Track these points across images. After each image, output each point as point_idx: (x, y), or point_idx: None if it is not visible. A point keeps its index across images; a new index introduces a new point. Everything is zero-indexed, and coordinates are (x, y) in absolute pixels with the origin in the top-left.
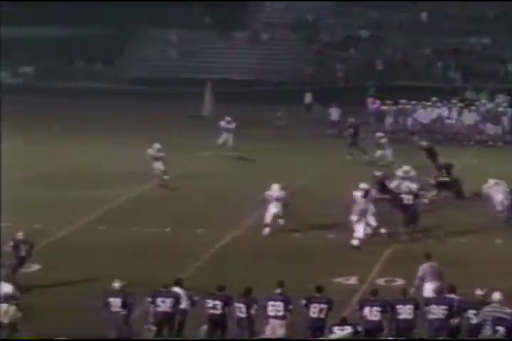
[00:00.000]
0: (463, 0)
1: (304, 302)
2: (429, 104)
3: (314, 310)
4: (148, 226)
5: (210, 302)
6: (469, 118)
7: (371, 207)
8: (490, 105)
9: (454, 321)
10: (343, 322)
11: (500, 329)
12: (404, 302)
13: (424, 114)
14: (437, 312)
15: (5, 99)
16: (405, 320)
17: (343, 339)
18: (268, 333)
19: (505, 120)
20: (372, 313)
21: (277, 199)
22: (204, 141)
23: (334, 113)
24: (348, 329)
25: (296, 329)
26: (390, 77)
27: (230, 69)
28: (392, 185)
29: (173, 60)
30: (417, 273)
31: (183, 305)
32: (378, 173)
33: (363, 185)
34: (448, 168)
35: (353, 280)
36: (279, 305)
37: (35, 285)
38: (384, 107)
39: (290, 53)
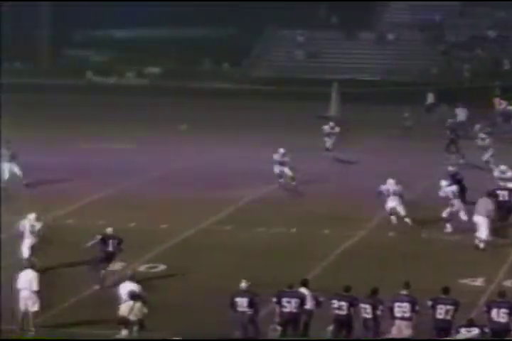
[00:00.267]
0: None
1: (430, 303)
2: None
3: (440, 312)
4: (273, 227)
5: (335, 303)
6: None
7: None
8: None
9: None
10: (470, 323)
11: None
12: None
13: None
14: None
15: (129, 99)
16: None
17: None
18: (394, 333)
19: None
20: (499, 315)
21: (394, 193)
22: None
23: (461, 113)
24: (475, 331)
25: (422, 330)
26: None
27: (356, 70)
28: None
29: (299, 61)
30: None
31: (308, 305)
32: (451, 168)
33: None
34: None
35: (479, 282)
36: (406, 306)
37: (161, 285)
38: (510, 107)
39: (416, 53)
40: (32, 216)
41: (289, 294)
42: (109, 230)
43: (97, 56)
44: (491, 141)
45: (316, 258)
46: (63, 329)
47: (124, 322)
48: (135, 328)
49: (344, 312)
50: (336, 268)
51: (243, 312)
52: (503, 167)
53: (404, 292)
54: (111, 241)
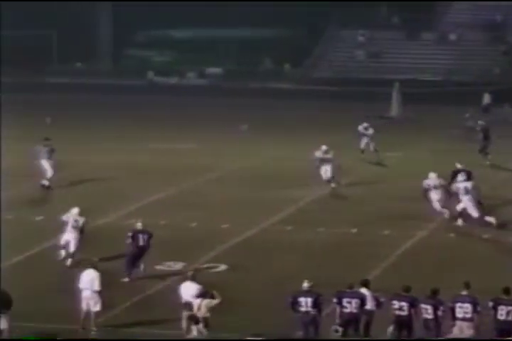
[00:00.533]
0: None
1: (491, 304)
2: None
3: (502, 313)
4: (334, 227)
5: (396, 304)
6: None
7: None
8: None
9: None
10: None
11: None
12: None
13: None
14: None
15: (190, 99)
16: None
17: None
18: (456, 334)
19: None
20: None
21: (435, 187)
22: (389, 142)
23: None
24: None
25: (483, 330)
26: None
27: (417, 70)
28: None
29: (360, 61)
30: None
31: (369, 306)
32: (459, 166)
33: None
34: None
35: None
36: (467, 306)
37: (221, 285)
38: None
39: (477, 54)
40: (75, 210)
41: (350, 294)
42: (139, 225)
43: (158, 56)
44: None
45: (376, 259)
46: (124, 329)
47: (194, 320)
48: (200, 325)
49: (405, 313)
50: (396, 269)
51: (307, 312)
52: None
53: (464, 292)
54: (141, 235)
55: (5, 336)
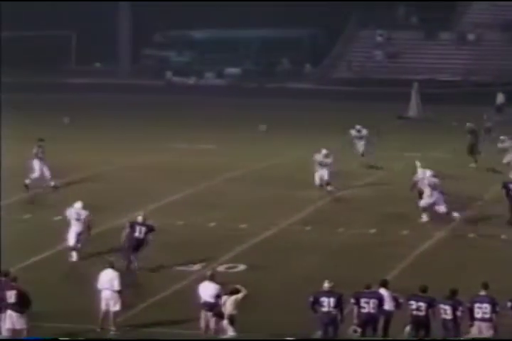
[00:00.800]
0: None
1: (510, 304)
2: None
3: None
4: (353, 228)
5: (414, 304)
6: None
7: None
8: None
9: None
10: None
11: None
12: None
13: None
14: None
15: (209, 99)
16: None
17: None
18: (474, 333)
19: None
20: None
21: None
22: (407, 142)
23: None
24: None
25: (502, 331)
26: None
27: (436, 70)
28: None
29: (378, 61)
30: None
31: (388, 306)
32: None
33: None
34: None
35: None
36: (486, 307)
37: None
38: None
39: (497, 54)
40: (78, 204)
41: (368, 295)
42: (140, 218)
43: (177, 57)
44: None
45: (394, 259)
46: (143, 328)
47: (220, 316)
48: (225, 322)
49: (423, 313)
50: (415, 269)
51: (328, 312)
52: None
53: (483, 293)
54: (138, 227)
55: (23, 336)
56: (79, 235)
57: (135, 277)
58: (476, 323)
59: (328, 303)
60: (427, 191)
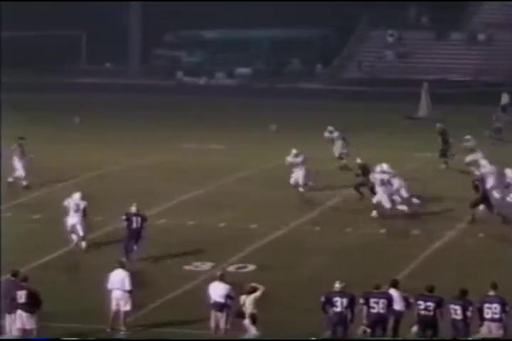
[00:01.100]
0: None
1: None
2: None
3: None
4: (363, 228)
5: (422, 304)
6: None
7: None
8: None
9: None
10: None
11: None
12: None
13: None
14: None
15: (219, 99)
16: None
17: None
18: (484, 333)
19: None
20: None
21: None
22: (417, 142)
23: None
24: None
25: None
26: None
27: (446, 70)
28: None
29: (389, 61)
30: None
31: (398, 306)
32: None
33: None
34: None
35: None
36: (496, 307)
37: None
38: None
39: (507, 54)
40: (77, 195)
41: (377, 295)
42: (133, 209)
43: (187, 57)
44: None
45: (404, 259)
46: (154, 328)
47: (241, 316)
48: (247, 321)
49: (431, 313)
50: (425, 269)
51: (340, 313)
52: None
53: (492, 293)
54: (134, 218)
55: (33, 335)
56: (79, 225)
57: (135, 266)
58: (486, 323)
59: (341, 303)
60: (376, 187)
